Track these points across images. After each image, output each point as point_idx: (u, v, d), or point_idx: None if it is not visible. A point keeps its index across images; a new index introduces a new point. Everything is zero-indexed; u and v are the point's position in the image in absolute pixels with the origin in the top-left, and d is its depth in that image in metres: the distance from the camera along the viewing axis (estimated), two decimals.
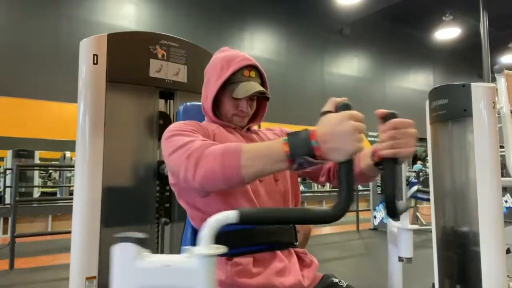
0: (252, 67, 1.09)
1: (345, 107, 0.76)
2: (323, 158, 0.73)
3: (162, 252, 1.60)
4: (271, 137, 1.17)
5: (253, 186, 1.00)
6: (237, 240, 0.97)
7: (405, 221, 1.03)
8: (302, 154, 0.74)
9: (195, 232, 1.08)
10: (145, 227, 1.55)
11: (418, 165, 10.00)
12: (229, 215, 0.67)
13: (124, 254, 0.60)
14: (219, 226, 0.65)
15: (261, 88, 1.07)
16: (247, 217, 0.69)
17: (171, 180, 1.04)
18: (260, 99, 1.16)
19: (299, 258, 1.04)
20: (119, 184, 1.53)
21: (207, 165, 0.82)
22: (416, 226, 1.07)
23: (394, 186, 0.79)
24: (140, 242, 0.60)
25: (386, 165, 0.81)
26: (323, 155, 0.73)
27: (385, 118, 0.86)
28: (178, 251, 1.16)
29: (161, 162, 1.58)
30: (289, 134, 0.77)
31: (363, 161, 0.98)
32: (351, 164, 0.72)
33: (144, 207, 1.57)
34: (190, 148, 0.86)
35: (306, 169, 0.78)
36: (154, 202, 1.58)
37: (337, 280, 1.04)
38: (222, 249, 0.62)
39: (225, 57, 1.09)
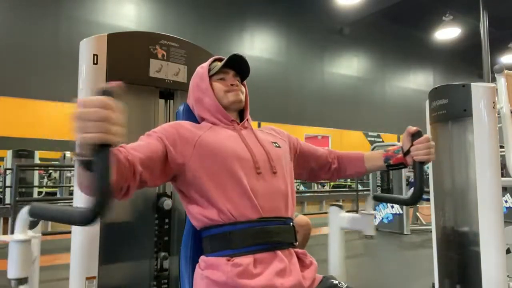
0: (222, 60, 1.19)
1: (100, 92, 0.68)
2: (84, 155, 0.69)
3: (161, 272, 1.58)
4: (267, 136, 1.17)
5: (250, 181, 1.00)
6: (237, 241, 0.97)
7: (369, 208, 1.39)
8: (75, 151, 0.70)
9: (195, 232, 1.08)
10: (144, 261, 1.53)
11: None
12: (26, 210, 0.81)
13: None
14: (21, 217, 0.81)
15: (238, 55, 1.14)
16: (34, 212, 0.79)
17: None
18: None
19: (299, 259, 1.04)
20: (117, 221, 1.49)
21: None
22: (374, 211, 1.43)
23: (423, 180, 1.18)
24: None
25: (417, 167, 1.16)
26: (79, 150, 0.69)
27: (414, 134, 1.18)
28: (178, 271, 1.15)
29: (160, 195, 1.55)
30: None
31: (371, 163, 1.28)
32: (102, 158, 0.66)
33: (142, 241, 1.53)
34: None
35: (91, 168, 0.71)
36: (153, 236, 1.55)
37: (337, 282, 1.04)
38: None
39: (198, 68, 1.22)
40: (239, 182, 0.99)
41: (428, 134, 1.89)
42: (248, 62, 1.18)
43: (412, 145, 1.16)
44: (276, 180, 1.05)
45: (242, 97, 1.17)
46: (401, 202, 1.41)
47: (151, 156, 0.94)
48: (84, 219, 0.69)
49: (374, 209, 5.96)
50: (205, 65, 1.19)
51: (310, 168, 1.29)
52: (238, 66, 1.18)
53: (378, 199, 1.44)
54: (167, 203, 1.52)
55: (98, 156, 0.66)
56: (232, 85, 1.15)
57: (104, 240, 1.40)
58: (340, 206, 1.41)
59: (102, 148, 0.65)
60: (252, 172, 1.02)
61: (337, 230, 1.37)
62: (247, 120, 1.19)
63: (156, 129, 1.06)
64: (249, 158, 1.04)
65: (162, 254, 1.54)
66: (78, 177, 0.78)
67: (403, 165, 1.22)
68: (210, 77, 1.16)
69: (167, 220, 1.57)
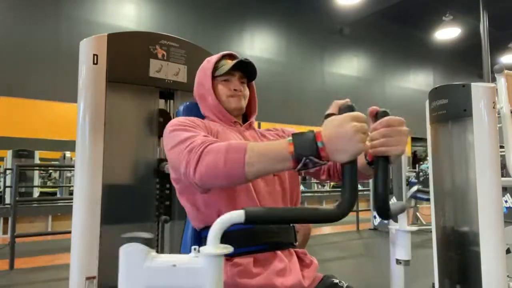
0: (232, 56, 1.17)
1: (348, 108, 0.76)
2: (327, 159, 0.74)
3: (162, 250, 1.60)
4: (271, 138, 1.17)
5: (254, 185, 1.00)
6: (237, 240, 0.97)
7: (403, 222, 1.01)
8: (308, 154, 0.74)
9: (195, 232, 1.08)
10: (145, 225, 1.55)
11: (425, 165, 10.00)
12: (236, 215, 0.67)
13: (131, 254, 0.60)
14: (227, 225, 0.66)
15: (243, 59, 1.12)
16: (254, 216, 0.69)
17: (172, 175, 1.04)
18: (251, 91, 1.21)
19: (299, 258, 1.04)
20: (119, 183, 1.53)
21: (210, 160, 0.82)
22: (414, 228, 1.03)
23: (386, 185, 0.78)
24: (147, 242, 0.61)
25: (378, 164, 0.81)
26: (327, 156, 0.73)
27: (377, 115, 0.85)
28: (178, 249, 1.16)
29: (161, 160, 1.58)
30: (294, 135, 0.77)
31: (360, 161, 0.96)
32: (354, 164, 0.73)
33: (144, 206, 1.57)
34: (192, 143, 0.87)
35: (310, 169, 0.79)
36: (154, 200, 1.58)
37: (337, 281, 1.04)
38: (229, 248, 0.63)
39: (206, 59, 1.18)
40: (244, 189, 0.98)
41: (428, 134, 1.89)
42: (256, 68, 1.15)
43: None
44: (276, 184, 1.05)
45: (244, 103, 1.15)
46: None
47: None
48: (335, 217, 0.73)
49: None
50: (212, 60, 1.15)
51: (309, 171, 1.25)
52: (245, 68, 1.15)
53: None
54: (168, 167, 1.53)
55: (354, 163, 0.73)
56: (235, 90, 1.13)
57: (105, 202, 1.41)
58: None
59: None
60: (257, 179, 1.01)
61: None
62: (250, 122, 1.18)
63: (188, 122, 1.00)
64: None
65: (163, 217, 1.56)
66: (260, 169, 0.80)
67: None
68: (216, 76, 1.14)
69: (168, 185, 1.58)
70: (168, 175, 1.55)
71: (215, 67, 1.14)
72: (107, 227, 1.42)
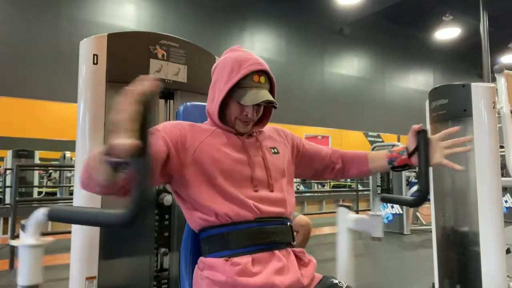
0: (263, 72, 1.06)
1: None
2: (121, 156, 0.72)
3: (161, 272, 1.58)
4: (267, 142, 1.14)
5: (249, 196, 1.00)
6: (235, 241, 0.98)
7: (376, 209, 1.37)
8: (105, 152, 0.74)
9: (194, 233, 1.08)
10: (144, 257, 1.54)
11: None
12: (41, 212, 0.78)
13: None
14: (35, 221, 0.77)
15: (270, 98, 1.05)
16: (55, 215, 0.79)
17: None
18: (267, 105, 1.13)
19: (297, 257, 1.05)
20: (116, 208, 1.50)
21: (81, 169, 0.85)
22: (382, 212, 1.36)
23: (428, 183, 1.14)
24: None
25: (423, 168, 1.11)
26: (115, 152, 0.72)
27: (418, 132, 1.12)
28: (178, 272, 1.15)
29: (160, 192, 1.56)
30: None
31: (375, 163, 1.22)
32: (141, 160, 0.69)
33: (143, 237, 1.54)
34: None
35: (123, 169, 0.76)
36: (153, 231, 1.57)
37: (337, 281, 1.04)
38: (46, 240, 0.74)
39: (236, 59, 1.04)
40: (236, 189, 0.99)
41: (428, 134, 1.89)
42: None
43: (417, 145, 1.12)
44: (272, 191, 1.05)
45: (250, 127, 1.09)
46: (407, 204, 1.40)
47: (154, 156, 0.89)
48: (124, 222, 0.69)
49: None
50: (240, 73, 1.02)
51: (314, 169, 1.25)
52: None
53: (385, 200, 1.41)
54: (167, 199, 1.53)
55: (138, 159, 0.69)
56: (247, 118, 1.05)
57: (104, 235, 1.40)
58: (348, 207, 1.37)
59: (140, 151, 0.69)
60: (249, 185, 1.02)
61: (345, 231, 1.34)
62: (253, 132, 1.12)
63: (159, 127, 1.01)
64: (248, 175, 1.02)
65: (163, 250, 1.55)
66: (94, 174, 0.80)
67: (408, 166, 1.16)
68: (234, 87, 1.03)
69: (167, 216, 1.58)
70: (167, 206, 1.54)
71: (239, 83, 1.02)
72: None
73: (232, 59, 1.05)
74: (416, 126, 1.13)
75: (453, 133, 1.14)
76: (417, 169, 1.13)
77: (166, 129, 1.01)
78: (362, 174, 1.28)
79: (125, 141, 0.68)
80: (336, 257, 1.35)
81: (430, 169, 1.95)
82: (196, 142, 1.02)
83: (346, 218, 1.34)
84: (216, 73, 1.08)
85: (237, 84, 1.02)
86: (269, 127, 1.21)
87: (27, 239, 0.75)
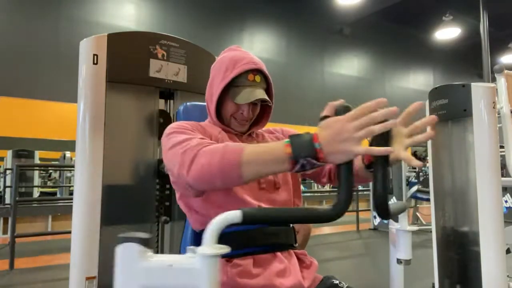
0: (258, 71, 1.05)
1: (344, 109, 0.77)
2: (324, 161, 0.74)
3: (162, 250, 1.60)
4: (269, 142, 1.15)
5: (253, 194, 1.00)
6: (236, 242, 0.97)
7: (403, 222, 1.01)
8: (305, 156, 0.74)
9: (195, 233, 1.08)
10: (145, 225, 1.55)
11: (427, 168, 10.00)
12: (233, 215, 0.67)
13: (128, 254, 0.60)
14: (223, 226, 0.66)
15: (264, 96, 1.04)
16: (251, 216, 0.70)
17: (171, 178, 1.04)
18: (264, 104, 1.12)
19: (299, 259, 1.04)
20: (119, 184, 1.53)
21: (205, 161, 0.81)
22: (415, 228, 1.03)
23: (386, 185, 0.77)
24: (143, 242, 0.60)
25: (377, 164, 0.79)
26: (325, 158, 0.73)
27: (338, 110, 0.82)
28: (178, 250, 1.16)
29: (161, 161, 1.58)
30: (291, 136, 0.77)
31: (357, 163, 0.98)
32: (350, 165, 0.73)
33: (144, 206, 1.57)
34: (187, 145, 0.86)
35: (307, 171, 0.78)
36: (154, 200, 1.58)
37: (337, 282, 1.04)
38: (225, 249, 0.62)
39: (232, 58, 1.05)
40: (242, 196, 0.98)
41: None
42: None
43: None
44: (277, 194, 1.04)
45: (248, 124, 1.10)
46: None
47: None
48: (331, 216, 0.75)
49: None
50: (234, 72, 1.02)
51: (309, 174, 1.20)
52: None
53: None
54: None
55: (350, 163, 0.74)
56: (243, 116, 1.06)
57: (105, 203, 1.42)
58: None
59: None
60: (255, 186, 1.01)
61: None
62: (252, 132, 1.12)
63: (186, 126, 0.98)
64: None
65: (163, 218, 1.56)
66: (257, 171, 0.80)
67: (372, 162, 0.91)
68: (229, 86, 1.03)
69: (168, 186, 1.58)
70: (168, 175, 1.55)
71: (233, 81, 1.03)
72: (107, 227, 1.42)
73: (228, 58, 1.06)
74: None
75: (415, 112, 0.88)
76: (423, 169, 0.93)
77: (193, 127, 0.99)
78: (356, 177, 1.18)
79: (361, 147, 0.71)
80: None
81: (427, 168, 1.95)
82: (212, 139, 1.01)
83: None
84: (212, 72, 1.09)
85: (232, 83, 1.03)
86: (270, 128, 1.22)
87: (209, 248, 0.61)
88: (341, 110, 0.77)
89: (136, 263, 0.60)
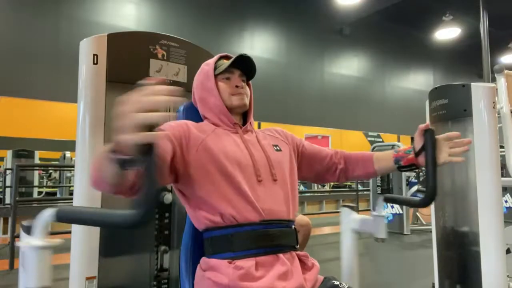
0: (229, 57, 1.16)
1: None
2: (124, 153, 0.68)
3: (161, 272, 1.59)
4: (268, 139, 1.16)
5: (251, 188, 1.00)
6: (239, 243, 0.97)
7: (380, 209, 1.30)
8: (110, 151, 0.70)
9: (195, 232, 1.08)
10: (144, 255, 1.54)
11: None
12: (49, 213, 0.76)
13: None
14: (43, 222, 0.76)
15: (246, 55, 1.11)
16: (64, 216, 0.76)
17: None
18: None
19: (301, 261, 1.04)
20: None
21: (91, 167, 0.81)
22: (384, 213, 1.33)
23: (436, 182, 1.08)
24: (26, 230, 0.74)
25: (430, 167, 1.08)
26: (121, 150, 0.68)
27: (425, 131, 1.10)
28: (178, 278, 1.15)
29: (160, 190, 1.57)
30: None
31: (381, 164, 1.20)
32: (150, 157, 0.64)
33: (143, 235, 1.55)
34: None
35: (130, 167, 0.72)
36: (153, 230, 1.57)
37: (338, 283, 1.04)
38: (56, 242, 0.73)
39: (203, 65, 1.18)
40: (240, 189, 0.99)
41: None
42: (255, 64, 1.15)
43: (424, 144, 1.09)
44: (276, 187, 1.05)
45: (247, 100, 1.15)
46: (413, 205, 1.31)
47: (162, 154, 0.89)
48: (133, 222, 0.65)
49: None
50: (211, 62, 1.15)
51: (316, 171, 1.24)
52: (244, 65, 1.15)
53: (390, 201, 1.38)
54: (167, 197, 1.53)
55: (146, 156, 0.64)
56: (237, 86, 1.12)
57: (104, 234, 1.41)
58: (352, 207, 1.35)
59: (149, 147, 0.64)
60: (253, 178, 1.02)
61: (349, 232, 1.32)
62: (250, 123, 1.17)
63: (163, 126, 1.01)
64: (251, 165, 1.03)
65: (163, 247, 1.55)
66: (102, 172, 0.76)
67: (415, 166, 1.14)
68: (216, 75, 1.13)
69: (167, 214, 1.58)
70: (167, 205, 1.55)
71: (214, 67, 1.14)
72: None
73: (200, 68, 1.18)
74: (422, 126, 1.10)
75: (454, 137, 1.13)
76: (423, 169, 1.12)
77: (171, 128, 1.02)
78: (368, 175, 1.25)
79: (131, 136, 0.63)
80: (340, 259, 1.33)
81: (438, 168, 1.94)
82: (198, 140, 1.03)
83: (350, 219, 1.32)
84: (195, 86, 1.17)
85: (215, 72, 1.13)
86: (269, 128, 1.24)
87: (34, 240, 0.74)
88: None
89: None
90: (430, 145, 1.08)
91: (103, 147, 0.77)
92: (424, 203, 1.16)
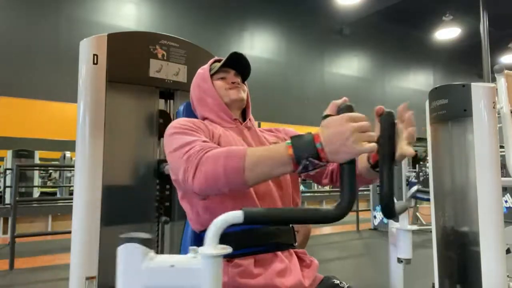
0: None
1: (346, 108, 0.77)
2: (327, 160, 0.74)
3: (162, 251, 1.60)
4: (270, 139, 1.16)
5: (256, 192, 1.00)
6: (237, 242, 0.97)
7: (404, 221, 1.03)
8: (307, 156, 0.74)
9: (195, 234, 1.08)
10: (145, 225, 1.55)
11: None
12: (235, 215, 0.68)
13: (129, 254, 0.60)
14: (225, 226, 0.66)
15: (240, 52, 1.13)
16: (252, 217, 0.70)
17: (173, 176, 1.04)
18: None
19: (299, 258, 1.04)
20: (119, 184, 1.53)
21: (208, 168, 0.82)
22: (415, 227, 1.05)
23: (392, 186, 0.78)
24: (145, 242, 0.60)
25: (382, 163, 0.81)
26: (327, 157, 0.73)
27: (382, 116, 0.84)
28: (178, 250, 1.16)
29: (161, 161, 1.58)
30: (292, 137, 0.78)
31: (360, 163, 0.99)
32: (353, 165, 0.73)
33: (144, 206, 1.57)
34: (191, 149, 0.87)
35: (311, 172, 0.79)
36: (154, 201, 1.58)
37: (338, 282, 1.04)
38: (227, 249, 0.62)
39: (199, 69, 1.20)
40: (244, 194, 0.98)
41: (428, 134, 1.89)
42: (249, 61, 1.17)
43: (380, 134, 0.83)
44: (276, 186, 1.05)
45: (244, 95, 1.16)
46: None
47: None
48: (336, 216, 0.72)
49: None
50: (206, 66, 1.19)
51: (310, 175, 1.24)
52: (239, 65, 1.17)
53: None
54: (168, 168, 1.53)
55: (353, 163, 0.73)
56: (233, 83, 1.14)
57: (105, 203, 1.42)
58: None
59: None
60: None
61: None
62: (249, 119, 1.18)
63: (189, 125, 0.99)
64: None
65: (164, 218, 1.56)
66: (260, 174, 0.81)
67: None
68: (211, 76, 1.15)
69: (168, 186, 1.59)
70: (168, 176, 1.55)
71: (210, 69, 1.16)
72: (107, 227, 1.42)
73: (196, 73, 1.20)
74: (378, 108, 0.86)
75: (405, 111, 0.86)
76: (424, 169, 0.92)
77: (197, 127, 1.01)
78: (358, 177, 1.19)
79: (362, 147, 0.71)
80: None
81: (427, 168, 1.95)
82: (215, 136, 1.04)
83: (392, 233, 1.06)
84: (193, 88, 1.19)
85: (211, 74, 1.15)
86: (270, 127, 1.24)
87: (210, 248, 0.62)
88: (344, 109, 0.77)
89: (138, 263, 0.59)
90: (387, 135, 0.82)
91: (254, 150, 0.83)
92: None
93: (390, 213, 0.80)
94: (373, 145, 0.72)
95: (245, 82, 1.21)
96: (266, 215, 0.75)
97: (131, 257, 0.60)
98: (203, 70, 1.18)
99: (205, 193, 0.88)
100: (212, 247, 0.62)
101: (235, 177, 0.80)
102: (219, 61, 1.19)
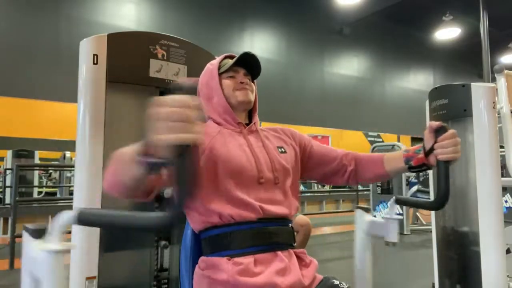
0: (234, 57, 1.15)
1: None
2: (158, 156, 0.65)
3: (161, 272, 1.59)
4: (273, 140, 1.15)
5: (252, 190, 1.00)
6: (238, 241, 0.97)
7: (392, 212, 1.28)
8: (139, 153, 0.69)
9: (195, 233, 1.08)
10: (144, 250, 1.54)
11: None
12: (69, 215, 0.72)
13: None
14: (62, 224, 0.71)
15: (251, 52, 1.11)
16: (86, 218, 0.72)
17: None
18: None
19: (298, 258, 1.05)
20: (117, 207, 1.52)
21: (107, 170, 0.82)
22: (400, 217, 1.30)
23: (448, 182, 1.04)
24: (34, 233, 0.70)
25: (442, 167, 1.04)
26: (154, 152, 0.65)
27: (437, 130, 1.02)
28: (178, 272, 1.15)
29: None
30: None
31: (392, 165, 1.14)
32: (184, 159, 0.61)
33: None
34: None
35: (157, 170, 0.70)
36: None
37: (337, 282, 1.04)
38: (72, 246, 0.69)
39: (208, 64, 1.19)
40: (241, 192, 0.99)
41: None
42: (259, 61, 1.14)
43: (435, 142, 1.01)
44: (277, 189, 1.05)
45: (252, 97, 1.13)
46: (425, 207, 1.26)
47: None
48: (165, 224, 0.65)
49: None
50: (215, 62, 1.15)
51: (323, 172, 1.22)
52: (249, 64, 1.14)
53: (401, 203, 1.32)
54: (167, 192, 1.53)
55: (181, 158, 0.61)
56: (241, 83, 1.11)
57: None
58: (366, 209, 1.29)
59: (184, 149, 0.61)
60: (255, 181, 1.02)
61: (362, 235, 1.29)
62: (254, 123, 1.16)
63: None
64: (254, 168, 1.03)
65: (163, 243, 1.55)
66: (121, 176, 0.77)
67: (426, 166, 1.07)
68: (220, 74, 1.13)
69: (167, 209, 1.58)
70: (168, 199, 1.54)
71: (219, 66, 1.14)
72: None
73: (205, 68, 1.18)
74: (434, 123, 1.02)
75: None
76: (436, 169, 1.06)
77: None
78: (379, 177, 1.21)
79: (166, 137, 0.60)
80: (353, 262, 1.31)
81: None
82: (204, 144, 1.02)
83: (362, 221, 1.31)
84: (200, 85, 1.16)
85: (219, 70, 1.13)
86: (276, 127, 1.23)
87: (50, 244, 0.68)
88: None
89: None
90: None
91: (124, 149, 0.76)
92: (437, 206, 1.10)
93: (444, 203, 1.08)
94: (180, 136, 0.60)
95: (254, 82, 1.19)
96: (100, 218, 0.74)
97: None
98: (212, 66, 1.15)
99: (112, 195, 0.85)
100: (54, 243, 0.69)
101: (113, 179, 0.80)
102: (229, 57, 1.17)
